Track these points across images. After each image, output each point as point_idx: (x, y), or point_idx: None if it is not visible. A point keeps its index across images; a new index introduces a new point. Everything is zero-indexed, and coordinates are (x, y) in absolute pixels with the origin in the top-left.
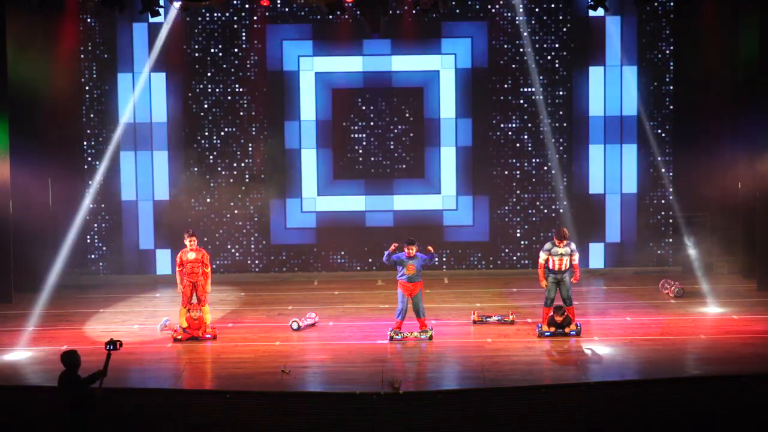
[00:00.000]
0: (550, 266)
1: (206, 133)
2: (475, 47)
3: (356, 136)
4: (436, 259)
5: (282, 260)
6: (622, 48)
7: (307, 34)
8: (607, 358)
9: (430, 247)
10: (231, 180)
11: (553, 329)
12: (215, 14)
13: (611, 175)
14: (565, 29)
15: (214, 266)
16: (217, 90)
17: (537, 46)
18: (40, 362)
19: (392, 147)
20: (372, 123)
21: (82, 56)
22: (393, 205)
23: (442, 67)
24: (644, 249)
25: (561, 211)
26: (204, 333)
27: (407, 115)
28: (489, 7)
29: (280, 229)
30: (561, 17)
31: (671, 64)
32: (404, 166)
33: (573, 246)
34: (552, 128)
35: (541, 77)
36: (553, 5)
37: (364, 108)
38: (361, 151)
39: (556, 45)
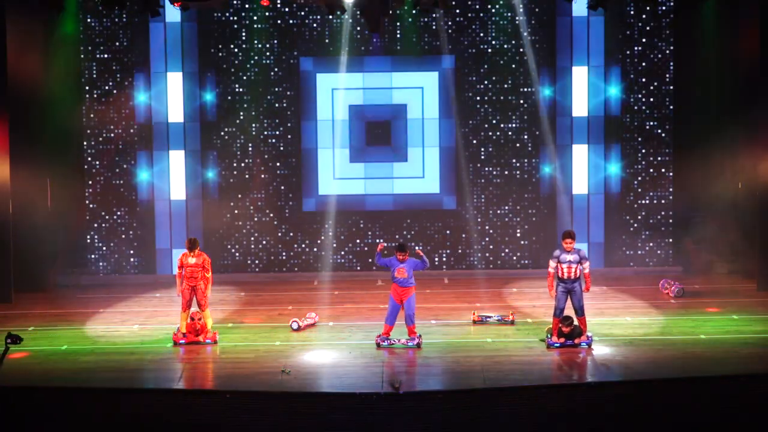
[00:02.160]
0: (560, 274)
1: (207, 133)
2: (474, 47)
3: (357, 135)
4: (428, 263)
5: (282, 260)
6: (622, 48)
7: (307, 33)
8: (607, 358)
9: (418, 251)
10: (231, 180)
11: (562, 340)
12: (217, 13)
13: (609, 175)
14: (564, 29)
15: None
16: (217, 89)
17: (536, 45)
18: (41, 362)
19: (392, 147)
20: (372, 122)
21: (82, 56)
22: (392, 205)
23: (441, 68)
24: (644, 249)
25: (561, 211)
26: (205, 338)
27: (406, 114)
28: (488, 6)
29: (281, 230)
30: (560, 17)
31: (671, 64)
32: (404, 165)
33: (583, 253)
34: (552, 128)
35: (541, 77)
36: (552, 5)
37: (364, 107)
38: (360, 149)
39: (555, 45)
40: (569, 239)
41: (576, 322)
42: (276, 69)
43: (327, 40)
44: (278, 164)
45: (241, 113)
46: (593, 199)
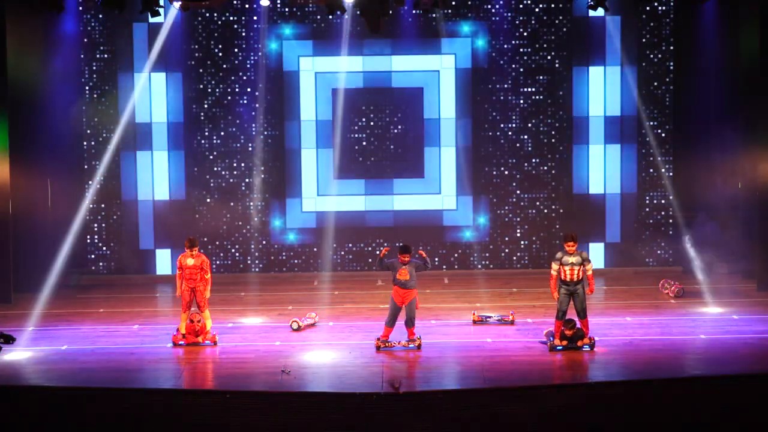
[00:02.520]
0: (562, 277)
1: (206, 133)
2: (475, 47)
3: (356, 136)
4: (429, 265)
5: (282, 260)
6: (622, 48)
7: (308, 34)
8: (607, 358)
9: (421, 252)
10: (231, 180)
11: (564, 343)
12: (215, 14)
13: (609, 175)
14: (564, 29)
15: (214, 267)
16: (217, 90)
17: (536, 45)
18: (40, 362)
19: (392, 147)
20: (372, 123)
21: (81, 56)
22: (393, 205)
23: (442, 67)
24: (644, 248)
25: (561, 211)
26: (204, 339)
27: (407, 114)
28: (488, 6)
29: (279, 229)
30: (560, 17)
31: (671, 64)
32: (404, 165)
33: (585, 255)
34: (551, 128)
35: (541, 77)
36: (552, 5)
37: (364, 108)
38: (360, 150)
39: (555, 45)
40: (571, 242)
41: (578, 325)
42: (276, 69)
43: (327, 40)
44: (278, 164)
45: (242, 113)
46: (593, 199)
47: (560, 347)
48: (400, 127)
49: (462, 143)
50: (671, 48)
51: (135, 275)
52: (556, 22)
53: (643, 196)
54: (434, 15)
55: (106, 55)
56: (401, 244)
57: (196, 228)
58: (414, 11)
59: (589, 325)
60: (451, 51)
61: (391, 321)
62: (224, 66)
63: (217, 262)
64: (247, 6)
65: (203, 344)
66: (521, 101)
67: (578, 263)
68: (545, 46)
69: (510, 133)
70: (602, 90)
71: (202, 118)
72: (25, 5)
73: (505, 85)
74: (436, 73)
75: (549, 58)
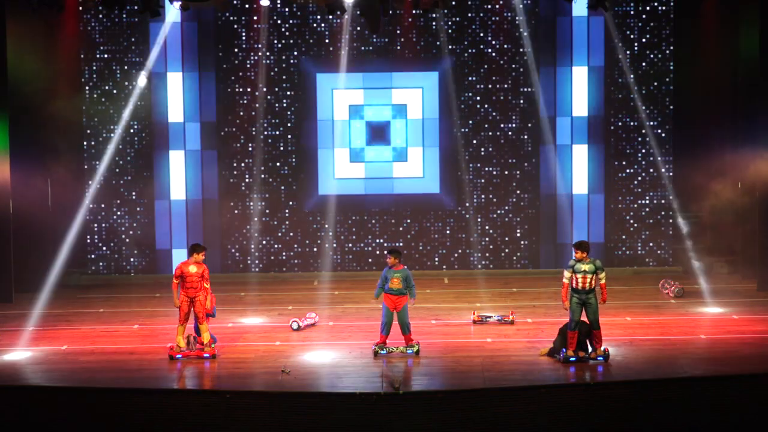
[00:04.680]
0: (574, 285)
1: (206, 134)
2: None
3: (357, 136)
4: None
5: (282, 260)
6: (619, 47)
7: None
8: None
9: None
10: (231, 180)
11: (582, 354)
12: (216, 14)
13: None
14: (558, 29)
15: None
16: (217, 89)
17: (537, 46)
18: (40, 362)
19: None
20: (372, 121)
21: (82, 56)
22: (393, 189)
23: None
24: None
25: (561, 210)
26: (203, 351)
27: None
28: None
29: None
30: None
31: (671, 64)
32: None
33: (598, 263)
34: (548, 128)
35: (541, 77)
36: (544, 4)
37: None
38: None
39: (545, 44)
40: (579, 251)
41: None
42: (276, 69)
43: (327, 41)
44: (278, 164)
45: (241, 113)
46: (593, 199)
47: (574, 359)
48: (399, 126)
49: (462, 143)
50: (671, 48)
51: (135, 275)
52: (556, 21)
53: (644, 195)
54: (434, 15)
55: (106, 55)
56: (390, 247)
57: (196, 228)
58: (414, 11)
59: (601, 336)
60: (451, 51)
61: (386, 328)
62: (224, 66)
63: (218, 262)
64: (247, 6)
65: (202, 357)
66: (521, 101)
67: (591, 271)
68: (545, 46)
69: (510, 132)
70: (602, 89)
71: (205, 117)
72: (25, 5)
73: (505, 85)
74: (436, 73)
75: (549, 57)
